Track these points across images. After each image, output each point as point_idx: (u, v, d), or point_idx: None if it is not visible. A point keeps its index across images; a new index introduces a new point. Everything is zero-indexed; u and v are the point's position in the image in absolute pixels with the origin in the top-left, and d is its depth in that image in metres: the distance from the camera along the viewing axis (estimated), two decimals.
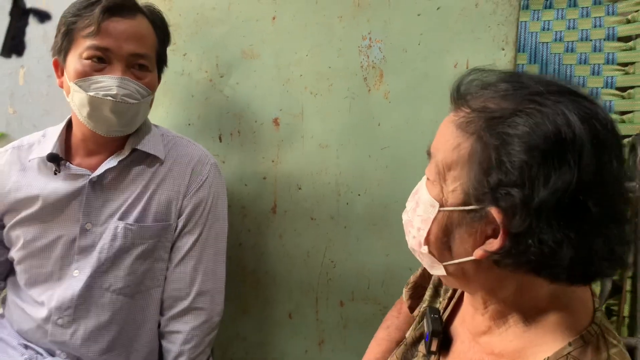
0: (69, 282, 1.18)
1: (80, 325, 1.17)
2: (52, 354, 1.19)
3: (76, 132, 1.21)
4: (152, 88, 1.19)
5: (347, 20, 1.34)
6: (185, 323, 1.23)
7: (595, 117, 0.60)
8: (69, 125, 1.24)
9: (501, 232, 0.62)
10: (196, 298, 1.23)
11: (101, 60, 1.11)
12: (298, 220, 1.42)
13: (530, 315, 0.68)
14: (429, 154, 0.72)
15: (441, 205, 0.68)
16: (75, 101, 1.13)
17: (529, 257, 0.61)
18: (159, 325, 1.26)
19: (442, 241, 0.70)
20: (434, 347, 0.80)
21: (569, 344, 0.63)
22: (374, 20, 1.32)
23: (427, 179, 0.72)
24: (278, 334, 1.48)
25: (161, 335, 1.26)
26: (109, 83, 1.10)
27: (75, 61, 1.12)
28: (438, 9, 1.26)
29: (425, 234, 0.70)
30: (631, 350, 1.29)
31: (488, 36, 1.23)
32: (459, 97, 0.69)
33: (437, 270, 0.72)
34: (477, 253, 0.65)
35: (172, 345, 1.23)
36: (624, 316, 1.38)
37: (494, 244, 0.63)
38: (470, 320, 0.78)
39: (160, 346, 1.26)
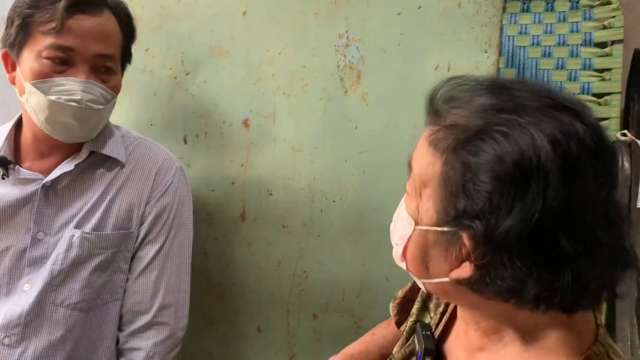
0: (18, 297, 1.07)
1: (30, 345, 1.06)
2: None
3: (27, 132, 1.10)
4: (116, 91, 1.09)
5: (324, 18, 1.27)
6: (147, 339, 1.14)
7: (572, 137, 0.54)
8: (17, 123, 1.13)
9: (471, 261, 0.59)
10: (158, 312, 1.15)
11: (63, 61, 1.00)
12: (269, 228, 1.35)
13: (527, 332, 0.63)
14: (409, 165, 0.68)
15: (416, 224, 0.65)
16: (32, 103, 1.02)
17: (494, 290, 0.58)
18: (117, 341, 1.16)
19: (418, 259, 0.66)
20: None
21: None
22: (352, 18, 1.26)
23: (407, 193, 0.68)
24: (246, 349, 1.40)
25: (120, 353, 1.16)
26: (73, 87, 1.00)
27: (32, 59, 1.00)
28: (419, 8, 1.22)
29: (402, 250, 0.68)
30: None
31: (470, 38, 1.19)
32: (433, 110, 0.65)
33: (420, 286, 0.69)
34: (453, 275, 0.61)
35: None
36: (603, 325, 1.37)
37: (465, 270, 0.59)
38: (464, 336, 0.73)
39: None
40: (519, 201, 0.53)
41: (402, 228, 0.67)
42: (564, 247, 0.54)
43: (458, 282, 0.61)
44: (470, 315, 0.69)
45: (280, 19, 1.30)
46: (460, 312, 0.75)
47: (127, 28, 1.13)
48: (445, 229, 0.60)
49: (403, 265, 0.69)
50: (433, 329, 0.80)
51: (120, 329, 1.16)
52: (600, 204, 0.56)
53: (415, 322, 0.86)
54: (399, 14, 1.23)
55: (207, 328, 1.41)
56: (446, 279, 0.63)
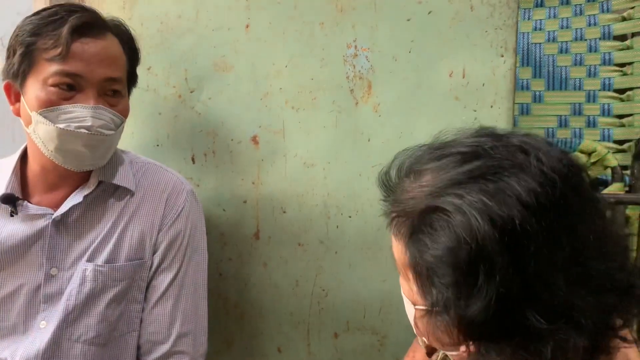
0: (35, 335, 1.05)
1: None
2: None
3: (33, 165, 1.07)
4: (125, 115, 1.06)
5: (330, 27, 1.23)
6: None
7: (514, 203, 0.52)
8: (22, 156, 1.10)
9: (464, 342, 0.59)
10: (177, 341, 1.12)
11: (70, 88, 0.97)
12: (284, 246, 1.33)
13: None
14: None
15: (414, 304, 0.64)
16: (40, 134, 0.99)
17: None
18: None
19: (430, 334, 0.64)
20: None
21: None
22: (359, 26, 1.21)
23: (400, 276, 0.68)
24: None
25: None
26: (82, 113, 0.97)
27: (37, 88, 0.97)
28: (429, 13, 1.17)
29: (415, 328, 0.68)
30: None
31: (485, 42, 1.15)
32: (386, 193, 0.65)
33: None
34: (460, 350, 0.61)
35: None
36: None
37: (465, 350, 0.60)
38: None
39: None
40: (474, 290, 0.52)
41: (407, 308, 0.68)
42: (533, 324, 0.52)
43: (468, 355, 0.60)
44: None
45: (285, 30, 1.26)
46: None
47: (131, 50, 1.10)
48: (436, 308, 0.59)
49: (424, 339, 0.68)
50: None
51: (138, 359, 1.14)
52: (569, 262, 0.53)
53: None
54: (408, 20, 1.19)
55: (227, 350, 1.39)
56: (456, 352, 0.62)
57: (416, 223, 0.58)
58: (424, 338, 0.68)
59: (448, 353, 0.66)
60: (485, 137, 0.60)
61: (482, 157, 0.57)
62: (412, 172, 0.62)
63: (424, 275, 0.58)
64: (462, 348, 0.60)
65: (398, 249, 0.63)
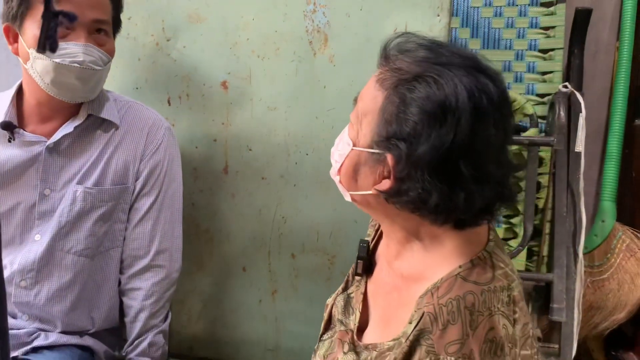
0: (31, 246, 1.21)
1: (43, 287, 1.21)
2: (14, 317, 1.23)
3: (29, 98, 1.21)
4: (111, 54, 1.20)
5: None
6: (146, 280, 1.28)
7: (484, 92, 0.71)
8: (18, 91, 1.24)
9: (391, 176, 0.76)
10: (155, 256, 1.28)
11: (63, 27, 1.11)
12: (249, 180, 1.49)
13: (428, 242, 0.81)
14: (355, 100, 0.85)
15: (354, 145, 0.81)
16: (37, 68, 1.13)
17: (407, 199, 0.74)
18: (119, 283, 1.31)
19: (350, 175, 0.82)
20: (359, 270, 0.94)
21: (459, 267, 0.76)
22: None
23: (350, 122, 0.84)
24: (233, 286, 1.57)
25: (122, 293, 1.31)
26: (75, 50, 1.11)
27: (35, 27, 1.11)
28: None
29: (338, 166, 0.84)
30: (548, 284, 1.46)
31: (425, 3, 1.32)
32: (385, 55, 0.81)
33: (347, 197, 0.86)
34: (376, 187, 0.78)
35: (133, 302, 1.28)
36: (544, 255, 1.55)
37: (385, 184, 0.77)
38: (386, 248, 0.91)
39: (121, 303, 1.32)
40: (436, 132, 0.71)
41: (342, 149, 0.84)
42: (462, 172, 0.71)
43: (378, 194, 0.78)
44: (389, 227, 0.87)
45: None
46: (382, 227, 0.92)
47: None
48: (376, 150, 0.77)
49: (337, 179, 0.86)
50: (370, 243, 0.98)
51: (121, 272, 1.30)
52: (495, 148, 0.74)
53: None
54: None
55: (199, 270, 1.57)
56: (369, 192, 0.80)
57: (406, 77, 0.74)
58: (337, 176, 0.85)
59: (353, 194, 0.84)
60: (467, 51, 0.79)
61: (466, 58, 0.75)
62: (410, 49, 0.78)
63: (391, 113, 0.74)
64: (371, 190, 0.79)
65: (375, 95, 0.78)
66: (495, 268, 0.77)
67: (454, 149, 0.70)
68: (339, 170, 0.84)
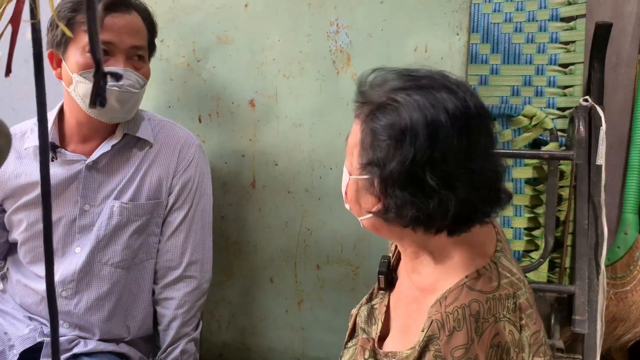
0: (71, 258, 1.28)
1: (82, 297, 1.28)
2: None
3: (70, 119, 1.29)
4: (147, 77, 1.28)
5: (315, 8, 1.44)
6: (178, 290, 1.34)
7: (441, 109, 0.78)
8: (60, 112, 1.32)
9: (379, 198, 0.83)
10: (187, 267, 1.35)
11: (104, 53, 1.18)
12: (276, 194, 1.55)
13: (437, 255, 0.87)
14: (347, 139, 0.92)
15: (350, 174, 0.89)
16: (80, 91, 1.21)
17: (393, 216, 0.81)
18: (153, 293, 1.37)
19: (354, 201, 0.89)
20: (382, 284, 1.00)
21: (466, 277, 0.82)
22: (340, 7, 1.42)
23: (347, 156, 0.92)
24: (261, 296, 1.62)
25: (155, 302, 1.37)
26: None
27: (77, 54, 1.19)
28: None
29: (345, 195, 0.92)
30: (571, 296, 1.48)
31: (444, 22, 1.36)
32: (359, 92, 0.88)
33: (362, 224, 0.92)
34: (366, 212, 0.86)
35: (167, 310, 1.35)
36: (566, 267, 1.57)
37: (376, 207, 0.84)
38: (404, 262, 0.97)
39: (155, 312, 1.38)
40: (399, 151, 0.77)
41: (344, 179, 0.92)
42: (428, 181, 0.77)
43: (376, 215, 0.84)
44: (400, 244, 0.94)
45: (278, 9, 1.46)
46: (398, 245, 0.98)
47: (150, 24, 1.31)
48: (364, 176, 0.84)
49: (348, 206, 0.93)
50: (391, 258, 1.04)
51: (155, 282, 1.37)
52: (463, 154, 0.78)
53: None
54: (381, 2, 1.39)
55: (228, 280, 1.63)
56: (370, 215, 0.86)
57: (375, 107, 0.82)
58: (347, 204, 0.93)
59: (361, 219, 0.90)
60: (435, 72, 0.85)
61: (428, 79, 0.82)
62: (378, 83, 0.85)
63: (367, 143, 0.82)
64: (371, 213, 0.85)
65: (355, 129, 0.86)
66: (501, 277, 0.82)
67: (416, 162, 0.77)
68: (346, 198, 0.92)
